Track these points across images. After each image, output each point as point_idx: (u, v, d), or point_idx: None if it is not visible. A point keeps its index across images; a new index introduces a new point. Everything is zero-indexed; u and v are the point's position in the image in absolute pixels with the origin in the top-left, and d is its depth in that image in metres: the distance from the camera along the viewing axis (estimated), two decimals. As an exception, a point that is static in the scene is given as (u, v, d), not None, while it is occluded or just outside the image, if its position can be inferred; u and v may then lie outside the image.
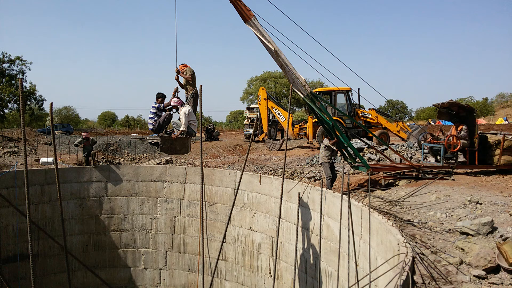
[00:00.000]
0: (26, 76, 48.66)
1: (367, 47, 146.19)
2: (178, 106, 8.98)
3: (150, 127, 9.34)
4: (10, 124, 47.22)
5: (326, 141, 10.93)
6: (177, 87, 9.46)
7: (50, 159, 17.75)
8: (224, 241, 11.81)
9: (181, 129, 8.82)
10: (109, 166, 13.15)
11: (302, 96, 10.17)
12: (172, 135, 8.98)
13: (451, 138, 11.54)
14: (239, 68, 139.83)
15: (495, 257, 5.36)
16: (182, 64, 9.54)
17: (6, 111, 41.84)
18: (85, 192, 12.38)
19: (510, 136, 12.32)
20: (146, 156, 26.06)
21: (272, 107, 24.47)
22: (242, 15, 9.33)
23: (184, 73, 9.41)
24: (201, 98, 8.13)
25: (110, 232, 12.65)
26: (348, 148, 10.98)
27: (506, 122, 43.13)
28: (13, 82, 44.33)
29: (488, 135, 12.07)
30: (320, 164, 11.15)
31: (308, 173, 14.14)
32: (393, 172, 11.49)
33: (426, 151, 12.64)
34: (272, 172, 14.77)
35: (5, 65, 41.05)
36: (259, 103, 25.26)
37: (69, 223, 12.05)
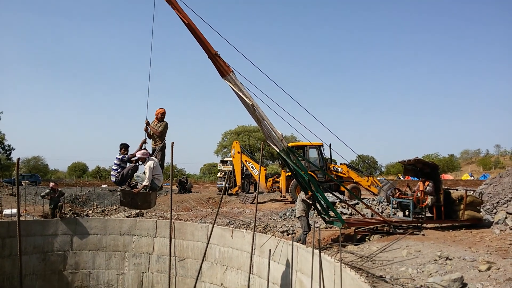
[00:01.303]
0: (-5, 125, 47.89)
1: (338, 103, 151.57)
2: (146, 158, 8.66)
3: (113, 179, 8.84)
4: (-26, 173, 45.43)
5: (302, 195, 10.97)
6: (145, 139, 9.15)
7: (14, 210, 17.04)
8: (194, 298, 11.37)
9: (144, 183, 8.34)
10: (76, 218, 12.70)
11: (278, 150, 10.24)
12: (135, 189, 8.59)
13: (419, 193, 11.84)
14: (214, 121, 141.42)
15: (465, 314, 5.36)
16: (160, 108, 9.31)
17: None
18: (49, 246, 11.82)
19: (472, 192, 12.75)
20: (115, 209, 25.37)
21: (246, 161, 24.63)
22: (220, 70, 9.45)
23: (158, 127, 9.17)
24: (172, 153, 7.99)
25: (73, 289, 11.98)
26: (322, 202, 11.03)
27: (472, 178, 44.58)
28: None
29: (451, 191, 12.49)
30: (298, 218, 11.10)
31: (281, 227, 14.04)
32: (366, 227, 11.58)
33: (395, 206, 12.87)
34: (245, 226, 14.60)
35: (-26, 116, 40.45)
36: (233, 157, 25.41)
37: (29, 279, 11.37)
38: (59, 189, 13.87)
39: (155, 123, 9.16)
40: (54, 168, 78.69)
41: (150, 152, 9.02)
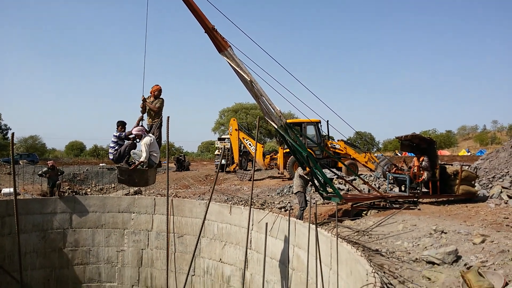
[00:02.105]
0: (-10, 105, 47.51)
1: (336, 79, 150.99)
2: (142, 134, 8.63)
3: (111, 156, 8.81)
4: (-29, 153, 45.24)
5: (300, 170, 11.01)
6: (142, 116, 9.14)
7: (12, 189, 17.07)
8: (193, 274, 11.54)
9: (141, 160, 8.38)
10: (74, 197, 12.75)
11: (276, 127, 10.20)
12: (132, 165, 8.60)
13: (415, 169, 11.90)
14: (211, 99, 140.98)
15: (459, 286, 5.47)
16: (156, 85, 9.24)
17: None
18: (49, 224, 11.89)
19: (467, 167, 12.81)
20: (114, 187, 25.50)
21: (243, 138, 24.63)
22: (217, 45, 9.30)
23: (155, 103, 9.12)
24: (168, 128, 7.98)
25: (74, 265, 12.12)
26: (320, 178, 11.08)
27: (469, 154, 44.78)
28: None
29: (447, 166, 12.56)
30: (295, 193, 11.17)
31: (278, 203, 14.15)
32: (363, 202, 11.68)
33: (391, 181, 12.95)
34: (243, 202, 14.71)
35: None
36: (230, 134, 25.40)
37: (30, 257, 11.48)
38: (58, 168, 13.88)
39: (151, 99, 9.11)
40: (52, 147, 78.46)
41: (147, 129, 9.01)
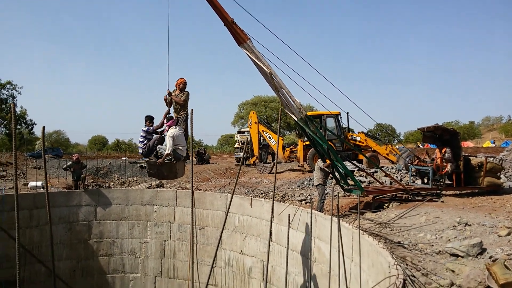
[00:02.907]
0: (16, 100, 48.69)
1: (356, 70, 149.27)
2: (172, 125, 8.74)
3: (140, 151, 9.05)
4: (-1, 148, 46.54)
5: (320, 163, 10.97)
6: (168, 110, 9.29)
7: (39, 183, 17.56)
8: (215, 265, 11.67)
9: (166, 153, 8.47)
10: (98, 190, 13.02)
11: (296, 119, 10.16)
12: (159, 159, 8.73)
13: (438, 160, 11.71)
14: (230, 92, 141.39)
15: (485, 279, 5.39)
16: (181, 78, 9.30)
17: (-5, 135, 41.72)
18: (74, 216, 12.20)
19: (492, 158, 12.53)
20: (136, 180, 25.91)
21: (263, 131, 24.66)
22: (236, 38, 9.29)
23: (180, 96, 9.17)
24: (192, 121, 8.06)
25: (99, 257, 12.42)
26: (341, 171, 11.02)
27: (493, 145, 43.73)
28: (3, 106, 44.23)
29: (471, 158, 12.31)
30: (316, 186, 11.16)
31: (299, 196, 14.16)
32: (385, 194, 11.57)
33: (413, 173, 12.78)
34: (263, 195, 14.77)
35: (-4, 90, 41.30)
36: (250, 127, 25.45)
37: (57, 248, 11.79)
38: (81, 162, 14.18)
39: (177, 93, 9.19)
40: (75, 141, 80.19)
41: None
